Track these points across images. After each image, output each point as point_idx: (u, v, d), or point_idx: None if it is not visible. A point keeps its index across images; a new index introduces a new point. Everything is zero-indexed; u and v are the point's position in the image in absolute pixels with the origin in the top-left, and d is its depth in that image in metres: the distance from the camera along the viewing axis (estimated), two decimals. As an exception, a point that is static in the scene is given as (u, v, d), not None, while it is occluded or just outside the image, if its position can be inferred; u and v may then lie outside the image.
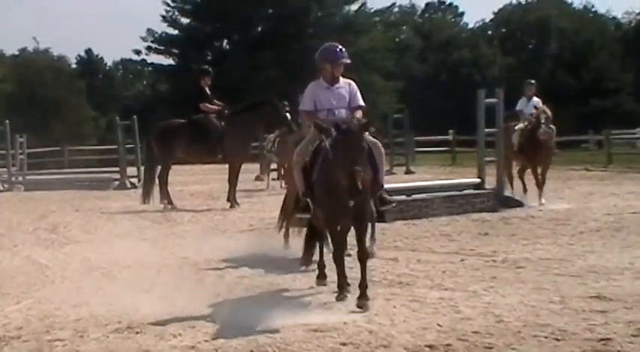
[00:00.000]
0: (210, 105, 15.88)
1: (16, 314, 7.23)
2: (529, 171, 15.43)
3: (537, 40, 52.17)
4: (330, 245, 7.45)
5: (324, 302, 7.14)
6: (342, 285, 7.11)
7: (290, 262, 9.10)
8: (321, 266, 7.77)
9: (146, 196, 16.03)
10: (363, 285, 6.87)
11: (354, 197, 6.61)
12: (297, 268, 8.54)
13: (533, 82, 15.73)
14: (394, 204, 7.57)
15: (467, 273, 8.42)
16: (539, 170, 14.96)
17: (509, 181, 15.49)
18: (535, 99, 15.26)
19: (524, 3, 55.59)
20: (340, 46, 7.48)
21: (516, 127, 15.26)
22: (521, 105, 15.35)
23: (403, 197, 12.87)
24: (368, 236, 8.25)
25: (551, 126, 14.71)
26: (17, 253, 11.05)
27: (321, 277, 7.73)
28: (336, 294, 7.15)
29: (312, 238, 8.07)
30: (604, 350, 5.54)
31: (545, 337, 5.89)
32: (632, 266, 8.54)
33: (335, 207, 6.92)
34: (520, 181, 15.58)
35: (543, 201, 14.47)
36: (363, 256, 7.01)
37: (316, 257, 8.03)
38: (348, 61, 7.48)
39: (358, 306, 6.74)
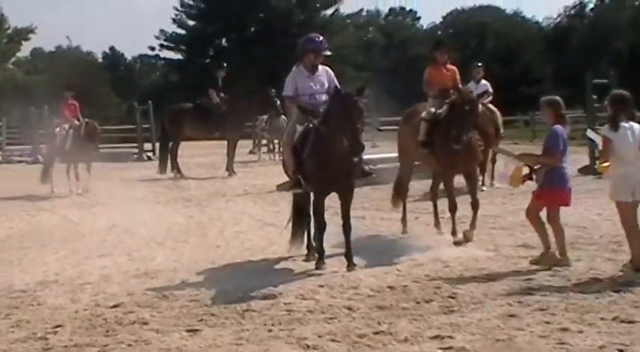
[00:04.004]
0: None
1: (54, 263, 7.21)
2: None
3: (477, 39, 51.97)
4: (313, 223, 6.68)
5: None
6: (321, 255, 6.51)
7: (277, 218, 9.06)
8: (310, 247, 6.96)
9: (161, 167, 15.94)
10: (348, 255, 6.35)
11: (357, 153, 6.06)
12: (286, 224, 8.02)
13: (480, 64, 13.00)
14: (374, 176, 7.00)
15: (420, 228, 8.43)
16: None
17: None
18: (483, 81, 12.76)
19: (467, 9, 55.53)
20: (322, 38, 6.88)
21: None
22: (470, 88, 12.35)
23: (370, 166, 12.69)
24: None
25: (494, 109, 12.40)
26: (55, 213, 10.97)
27: (311, 257, 6.84)
28: (315, 262, 6.53)
29: (300, 223, 7.10)
30: (527, 287, 5.59)
31: (482, 278, 5.93)
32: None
33: (325, 179, 6.36)
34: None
35: (484, 187, 11.86)
36: (348, 228, 6.44)
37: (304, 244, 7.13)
38: (329, 53, 6.83)
39: (347, 269, 6.28)
